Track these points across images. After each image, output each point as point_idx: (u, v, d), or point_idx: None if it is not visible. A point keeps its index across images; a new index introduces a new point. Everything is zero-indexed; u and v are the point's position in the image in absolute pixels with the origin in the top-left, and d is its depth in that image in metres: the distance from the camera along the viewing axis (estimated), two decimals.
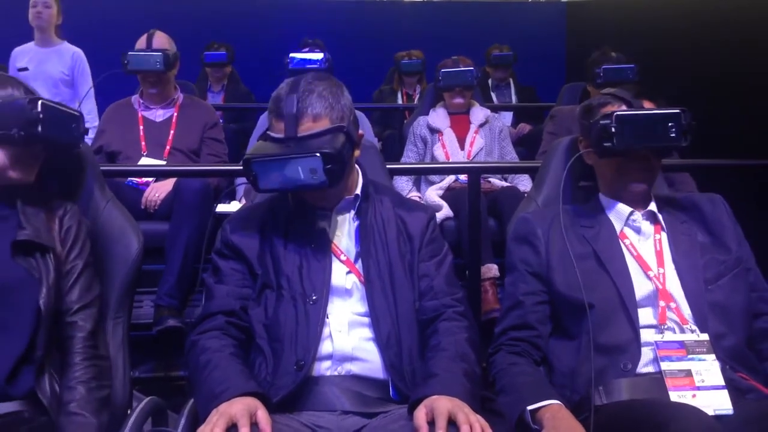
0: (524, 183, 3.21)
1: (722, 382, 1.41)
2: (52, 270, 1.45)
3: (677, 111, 1.56)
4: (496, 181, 3.21)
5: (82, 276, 1.51)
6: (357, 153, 1.55)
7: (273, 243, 1.51)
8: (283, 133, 1.44)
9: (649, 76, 3.33)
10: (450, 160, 3.29)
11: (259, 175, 1.44)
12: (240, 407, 1.22)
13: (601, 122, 1.56)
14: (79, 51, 4.02)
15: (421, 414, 1.23)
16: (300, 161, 1.41)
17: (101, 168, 1.76)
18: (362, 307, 1.47)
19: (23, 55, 3.98)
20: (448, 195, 3.11)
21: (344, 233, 1.54)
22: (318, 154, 1.40)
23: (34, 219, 1.49)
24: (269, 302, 1.46)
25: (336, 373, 1.41)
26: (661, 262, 1.56)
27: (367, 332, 1.45)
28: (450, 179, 3.19)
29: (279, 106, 1.46)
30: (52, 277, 1.44)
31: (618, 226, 1.61)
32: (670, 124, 1.54)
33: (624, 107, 1.61)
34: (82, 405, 1.39)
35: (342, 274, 1.49)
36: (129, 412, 1.49)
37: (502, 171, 3.27)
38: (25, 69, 3.87)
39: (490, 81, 5.27)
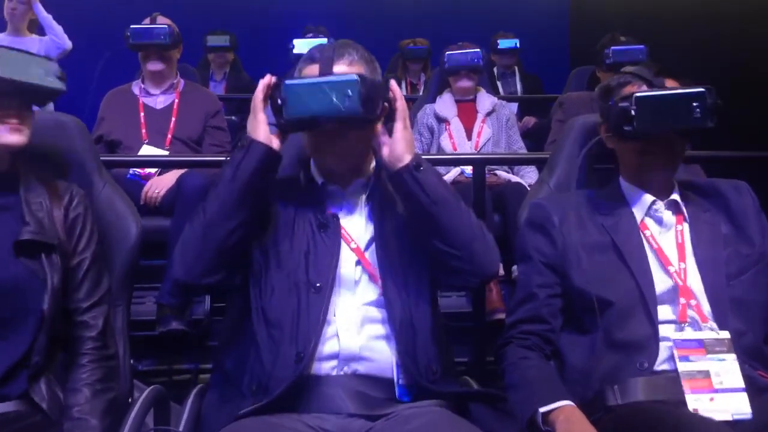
0: (530, 175, 3.16)
1: (742, 384, 1.36)
2: (57, 269, 1.38)
3: (702, 90, 1.47)
4: (503, 174, 3.17)
5: (91, 271, 1.45)
6: (379, 126, 1.50)
7: (280, 227, 1.45)
8: (317, 74, 1.42)
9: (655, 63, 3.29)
10: (457, 151, 3.25)
11: (289, 99, 1.38)
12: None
13: (620, 104, 1.47)
14: (43, 38, 4.10)
15: None
16: (336, 84, 1.37)
17: (102, 159, 1.71)
18: (373, 296, 1.43)
19: None
20: (454, 189, 3.05)
21: (356, 218, 1.49)
22: (356, 77, 1.36)
23: (38, 210, 1.41)
24: (269, 288, 1.41)
25: (342, 373, 1.37)
26: (682, 256, 1.49)
27: (377, 327, 1.41)
28: (455, 172, 3.14)
29: (313, 53, 1.47)
30: (57, 277, 1.38)
31: (639, 215, 1.54)
32: (694, 104, 1.45)
33: (644, 87, 1.52)
34: (86, 410, 1.34)
35: (351, 264, 1.44)
36: (130, 401, 1.46)
37: (508, 162, 3.23)
38: None
39: (495, 69, 5.22)
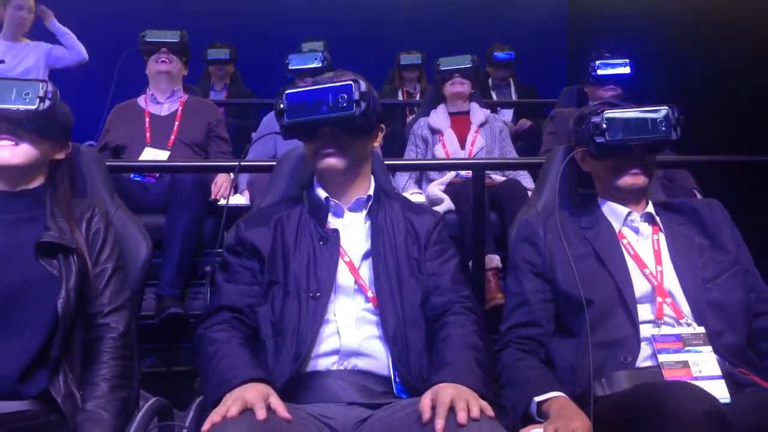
0: (525, 180, 3.23)
1: (719, 372, 1.44)
2: (74, 271, 1.47)
3: (665, 108, 1.63)
4: (497, 177, 3.23)
5: (113, 278, 1.54)
6: (376, 144, 1.64)
7: (285, 241, 1.55)
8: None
9: (651, 73, 3.33)
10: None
11: (289, 106, 1.51)
12: (254, 393, 1.26)
13: (593, 120, 1.63)
14: (42, 42, 4.11)
15: (426, 399, 1.26)
16: (331, 89, 1.50)
17: (108, 164, 1.81)
18: (369, 306, 1.50)
19: None
20: (450, 189, 3.14)
21: (354, 233, 1.58)
22: (350, 82, 1.49)
23: (61, 220, 1.52)
24: (276, 299, 1.49)
25: (342, 368, 1.44)
26: (659, 261, 1.60)
27: (374, 329, 1.48)
28: (451, 175, 3.21)
29: (317, 78, 1.59)
30: (73, 278, 1.46)
31: (616, 226, 1.66)
32: (659, 120, 1.62)
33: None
34: (101, 404, 1.40)
35: (349, 273, 1.52)
36: (136, 411, 1.50)
37: (505, 167, 3.30)
38: (1, 62, 3.90)
39: (490, 80, 5.30)
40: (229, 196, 2.10)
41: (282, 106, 1.52)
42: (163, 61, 3.09)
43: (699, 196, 2.86)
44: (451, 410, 1.22)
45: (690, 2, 4.28)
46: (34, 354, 1.40)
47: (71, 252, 1.49)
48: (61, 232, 1.50)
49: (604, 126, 1.61)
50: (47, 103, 1.53)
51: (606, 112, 1.63)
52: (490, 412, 1.23)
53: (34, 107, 1.51)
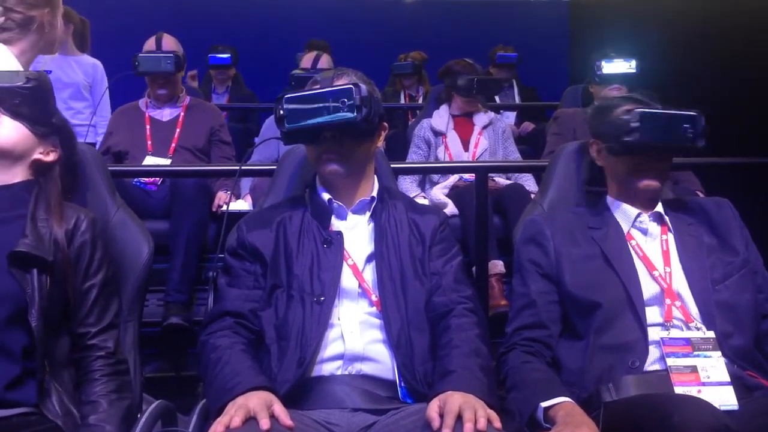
0: (528, 183, 3.22)
1: (728, 379, 1.43)
2: (45, 287, 1.37)
3: (694, 113, 1.60)
4: (501, 180, 3.23)
5: (101, 296, 1.47)
6: (380, 143, 1.62)
7: (287, 243, 1.53)
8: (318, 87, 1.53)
9: (653, 76, 3.33)
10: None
11: (288, 112, 1.49)
12: (257, 401, 1.25)
13: (624, 117, 1.59)
14: (99, 63, 4.03)
15: (434, 406, 1.25)
16: (332, 93, 1.48)
17: (110, 168, 1.79)
18: (373, 309, 1.49)
19: (42, 59, 3.96)
20: (453, 193, 3.13)
21: (358, 235, 1.57)
22: (351, 86, 1.47)
23: (42, 225, 1.42)
24: (280, 303, 1.48)
25: (346, 373, 1.43)
26: (667, 262, 1.58)
27: (378, 333, 1.47)
28: (454, 178, 3.20)
29: (316, 77, 1.58)
30: (44, 296, 1.36)
31: (625, 227, 1.63)
32: (686, 125, 1.58)
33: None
34: (102, 418, 1.37)
35: (353, 277, 1.51)
36: (139, 415, 1.49)
37: (509, 170, 3.29)
38: (47, 72, 3.84)
39: None
40: (229, 203, 2.08)
41: (281, 112, 1.49)
42: (160, 85, 3.08)
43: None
44: (458, 419, 1.21)
45: (691, 7, 4.27)
46: (18, 367, 1.33)
47: (46, 266, 1.38)
48: (39, 242, 1.39)
49: (636, 124, 1.56)
50: (33, 83, 1.47)
51: (636, 109, 1.58)
52: (497, 423, 1.22)
53: (20, 83, 1.46)
